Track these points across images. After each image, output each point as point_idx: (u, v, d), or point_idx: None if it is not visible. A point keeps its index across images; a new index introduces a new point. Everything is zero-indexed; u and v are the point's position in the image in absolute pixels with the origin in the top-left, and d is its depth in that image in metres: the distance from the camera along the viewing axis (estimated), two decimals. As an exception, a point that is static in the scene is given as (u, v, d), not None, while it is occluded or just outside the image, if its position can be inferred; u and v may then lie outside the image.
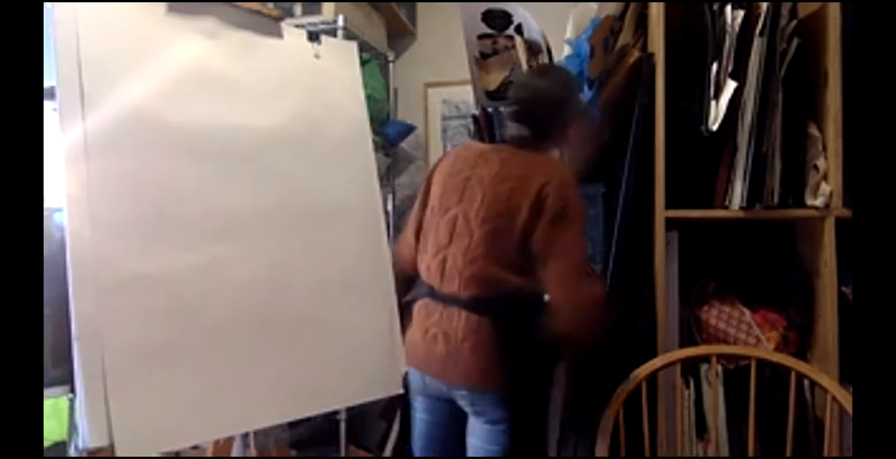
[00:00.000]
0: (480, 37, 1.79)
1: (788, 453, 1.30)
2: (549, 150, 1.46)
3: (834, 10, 1.47)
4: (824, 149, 1.51)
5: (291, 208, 1.51)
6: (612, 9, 1.64)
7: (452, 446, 1.49)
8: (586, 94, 1.61)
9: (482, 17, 1.74)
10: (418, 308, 1.48)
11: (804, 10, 1.55)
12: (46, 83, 1.15)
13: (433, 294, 1.45)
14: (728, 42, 1.47)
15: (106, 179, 1.23)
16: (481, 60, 1.89)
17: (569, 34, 1.75)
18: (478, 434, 1.41)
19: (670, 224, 1.53)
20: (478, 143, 1.51)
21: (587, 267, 1.38)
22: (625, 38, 1.67)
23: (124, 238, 1.24)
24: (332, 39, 1.73)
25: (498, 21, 1.74)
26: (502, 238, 1.37)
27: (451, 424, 1.48)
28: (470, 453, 1.44)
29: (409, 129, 2.62)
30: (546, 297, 1.47)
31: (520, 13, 1.69)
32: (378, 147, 2.29)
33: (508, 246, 1.37)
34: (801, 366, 1.32)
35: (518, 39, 1.72)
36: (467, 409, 1.42)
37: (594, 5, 1.65)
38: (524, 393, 1.40)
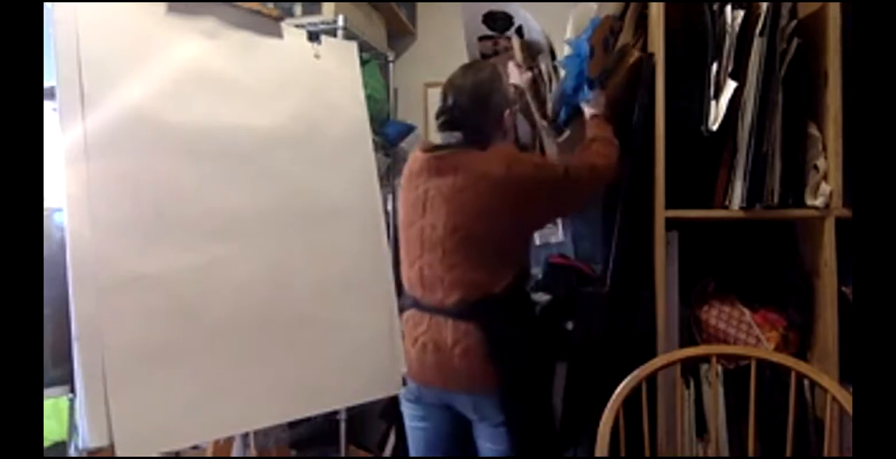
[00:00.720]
0: (481, 38, 1.79)
1: (788, 453, 1.30)
2: (490, 144, 1.45)
3: (834, 10, 1.47)
4: (824, 149, 1.50)
5: (291, 208, 1.51)
6: (612, 9, 1.64)
7: (455, 451, 1.49)
8: (584, 94, 1.61)
9: (483, 18, 1.74)
10: (406, 319, 1.50)
11: (804, 10, 1.55)
12: (46, 83, 1.15)
13: (417, 304, 1.46)
14: (728, 42, 1.47)
15: (106, 179, 1.23)
16: None
17: (569, 34, 1.75)
18: (485, 436, 1.42)
19: (670, 224, 1.53)
20: (422, 153, 1.49)
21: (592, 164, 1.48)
22: (625, 37, 1.67)
23: (124, 238, 1.24)
24: (332, 39, 1.73)
25: (499, 22, 1.74)
26: (478, 242, 1.39)
27: (450, 429, 1.49)
28: (481, 454, 1.44)
29: (409, 129, 2.62)
30: (540, 296, 1.48)
31: (521, 15, 1.69)
32: (378, 147, 2.29)
33: (486, 248, 1.39)
34: (801, 366, 1.32)
35: (515, 40, 1.71)
36: (470, 415, 1.42)
37: (594, 5, 1.65)
38: (525, 393, 1.40)
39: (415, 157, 1.52)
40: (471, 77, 1.44)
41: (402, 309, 1.52)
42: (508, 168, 1.37)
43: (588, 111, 1.61)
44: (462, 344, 1.37)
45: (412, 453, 1.56)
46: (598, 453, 1.23)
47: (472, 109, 1.41)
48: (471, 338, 1.37)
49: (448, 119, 1.43)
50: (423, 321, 1.44)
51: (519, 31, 1.71)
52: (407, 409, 1.55)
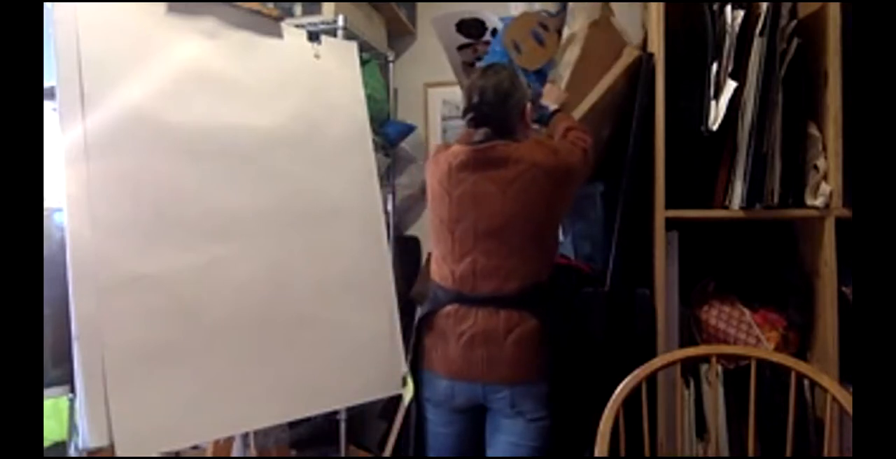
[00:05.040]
0: (460, 48, 1.80)
1: (788, 453, 1.30)
2: (518, 136, 1.49)
3: (834, 10, 1.47)
4: (824, 149, 1.51)
5: (291, 208, 1.51)
6: (537, 6, 1.65)
7: (474, 455, 1.50)
8: (536, 86, 1.63)
9: (457, 28, 1.76)
10: (445, 316, 1.47)
11: (804, 10, 1.55)
12: (46, 83, 1.15)
13: (462, 298, 1.45)
14: (728, 42, 1.47)
15: (106, 179, 1.23)
16: (469, 68, 1.90)
17: None
18: (517, 433, 1.42)
19: (670, 224, 1.53)
20: (463, 147, 1.50)
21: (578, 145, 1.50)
22: (575, 26, 1.66)
23: (124, 238, 1.24)
24: (332, 39, 1.73)
25: (473, 29, 1.76)
26: (533, 229, 1.43)
27: (471, 435, 1.50)
28: (502, 452, 1.44)
29: (409, 129, 2.62)
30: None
31: (492, 19, 1.71)
32: (378, 147, 2.29)
33: (537, 235, 1.44)
34: (801, 366, 1.32)
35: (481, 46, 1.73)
36: (506, 411, 1.42)
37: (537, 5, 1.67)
38: (568, 382, 1.42)
39: (454, 152, 1.51)
40: (492, 77, 1.50)
41: (433, 310, 1.51)
42: (556, 156, 1.44)
43: (551, 108, 1.66)
44: (517, 332, 1.40)
45: (431, 454, 1.56)
46: (598, 453, 1.23)
47: (499, 105, 1.47)
48: (526, 325, 1.40)
49: (476, 115, 1.48)
50: (469, 314, 1.44)
51: (494, 33, 1.73)
52: (432, 414, 1.54)
